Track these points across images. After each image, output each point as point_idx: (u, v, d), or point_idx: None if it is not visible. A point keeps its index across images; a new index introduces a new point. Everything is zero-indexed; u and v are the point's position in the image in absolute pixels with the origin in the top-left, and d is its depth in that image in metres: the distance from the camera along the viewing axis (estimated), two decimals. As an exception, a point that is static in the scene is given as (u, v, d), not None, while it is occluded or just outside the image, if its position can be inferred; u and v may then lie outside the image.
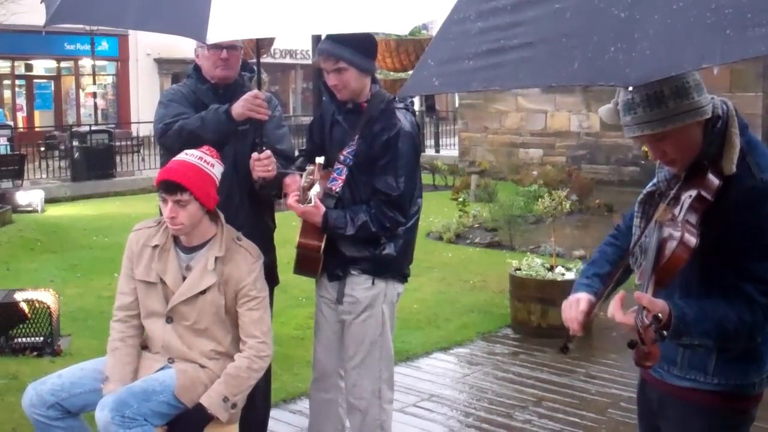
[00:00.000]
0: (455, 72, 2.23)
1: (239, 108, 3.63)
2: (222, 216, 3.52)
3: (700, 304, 2.25)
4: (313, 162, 3.70)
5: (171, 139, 3.73)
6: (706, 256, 2.25)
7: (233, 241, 3.50)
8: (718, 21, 1.80)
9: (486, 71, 2.14)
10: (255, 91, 3.69)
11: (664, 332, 2.13)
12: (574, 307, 2.47)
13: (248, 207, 3.87)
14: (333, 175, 3.70)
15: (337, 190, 3.67)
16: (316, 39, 5.70)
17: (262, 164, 3.64)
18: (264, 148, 3.67)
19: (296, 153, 4.05)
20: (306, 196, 3.46)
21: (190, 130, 3.66)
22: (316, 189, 3.48)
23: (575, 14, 2.06)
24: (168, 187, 3.33)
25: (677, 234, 2.21)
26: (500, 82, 2.18)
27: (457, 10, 2.34)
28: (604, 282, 2.57)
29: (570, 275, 6.69)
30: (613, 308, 2.23)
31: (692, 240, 2.20)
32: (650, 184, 2.55)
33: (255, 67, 3.93)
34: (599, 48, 1.95)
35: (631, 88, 2.28)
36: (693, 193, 2.28)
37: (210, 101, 3.81)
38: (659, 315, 2.10)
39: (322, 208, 3.55)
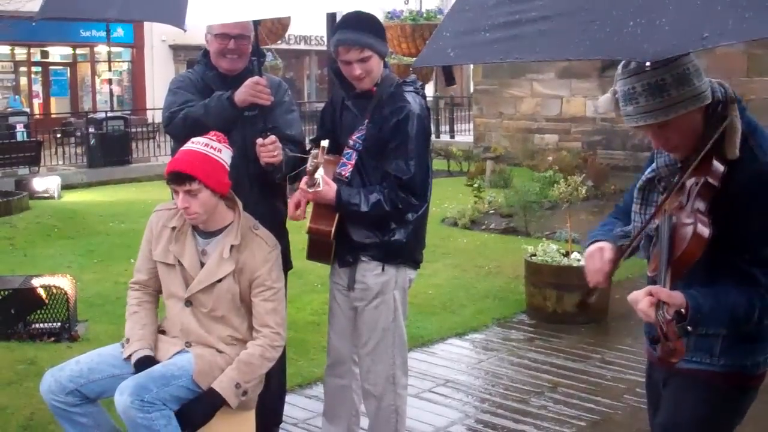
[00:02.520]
0: (471, 44, 2.21)
1: (241, 94, 3.65)
2: (240, 203, 3.53)
3: (713, 293, 2.24)
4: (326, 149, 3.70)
5: (176, 127, 3.75)
6: (713, 241, 2.24)
7: (250, 229, 3.50)
8: None
9: (502, 43, 2.12)
10: (256, 78, 3.69)
11: (689, 327, 2.12)
12: (598, 256, 2.42)
13: (258, 193, 3.87)
14: (342, 160, 3.69)
15: (347, 175, 3.66)
16: (331, 22, 5.69)
17: (267, 150, 3.64)
18: (269, 133, 3.67)
19: (308, 139, 4.05)
20: (314, 180, 3.45)
21: (194, 118, 3.68)
22: (321, 172, 3.47)
23: None
24: (176, 178, 3.34)
25: (689, 224, 2.20)
26: (517, 54, 2.15)
27: None
28: (618, 239, 2.53)
29: (585, 261, 6.66)
30: (637, 297, 2.20)
31: (705, 231, 2.19)
32: (649, 170, 2.52)
33: (265, 52, 3.93)
34: (618, 22, 1.92)
35: (621, 81, 2.25)
36: (699, 180, 2.27)
37: (218, 88, 3.82)
38: (681, 310, 2.10)
39: (334, 186, 3.55)
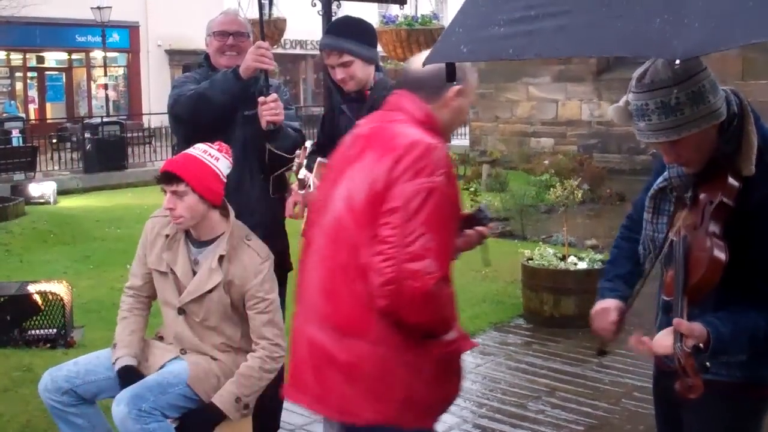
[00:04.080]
0: (485, 39, 2.12)
1: (246, 62, 3.64)
2: (232, 213, 3.51)
3: (733, 318, 2.19)
4: (326, 155, 3.71)
5: (183, 105, 3.72)
6: (728, 261, 2.18)
7: (242, 240, 3.48)
8: None
9: (519, 39, 2.03)
10: (259, 42, 3.69)
11: (707, 364, 2.09)
12: (604, 317, 2.48)
13: (259, 191, 3.87)
14: None
15: None
16: (326, 26, 5.70)
17: (269, 107, 3.64)
18: (270, 92, 3.68)
19: (310, 144, 4.07)
20: (304, 182, 3.47)
21: (200, 92, 3.68)
22: (303, 172, 3.48)
23: None
24: (166, 177, 3.35)
25: (706, 248, 2.14)
26: (536, 50, 2.06)
27: None
28: (627, 282, 2.56)
29: (582, 265, 6.67)
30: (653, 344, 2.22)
31: (722, 256, 2.14)
32: (661, 179, 2.46)
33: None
34: (644, 19, 1.84)
35: (633, 94, 2.20)
36: (714, 199, 2.20)
37: None
38: (700, 345, 2.06)
39: None
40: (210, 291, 3.40)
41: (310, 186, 3.49)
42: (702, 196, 2.25)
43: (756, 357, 2.35)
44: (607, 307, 2.48)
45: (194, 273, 3.45)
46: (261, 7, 4.09)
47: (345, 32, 3.57)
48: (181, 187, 3.31)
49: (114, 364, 3.40)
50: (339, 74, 3.59)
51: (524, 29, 2.02)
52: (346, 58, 3.54)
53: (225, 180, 3.45)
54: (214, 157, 3.41)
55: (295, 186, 3.54)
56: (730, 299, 2.24)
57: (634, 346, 2.26)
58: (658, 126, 2.20)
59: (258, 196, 3.85)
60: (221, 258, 3.41)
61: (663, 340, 2.17)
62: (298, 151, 3.52)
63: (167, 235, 3.49)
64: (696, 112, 2.17)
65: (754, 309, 2.21)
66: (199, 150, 3.41)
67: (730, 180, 2.21)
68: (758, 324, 2.20)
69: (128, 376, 3.35)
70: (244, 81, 3.65)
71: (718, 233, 2.18)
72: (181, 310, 3.46)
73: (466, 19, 2.22)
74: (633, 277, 2.59)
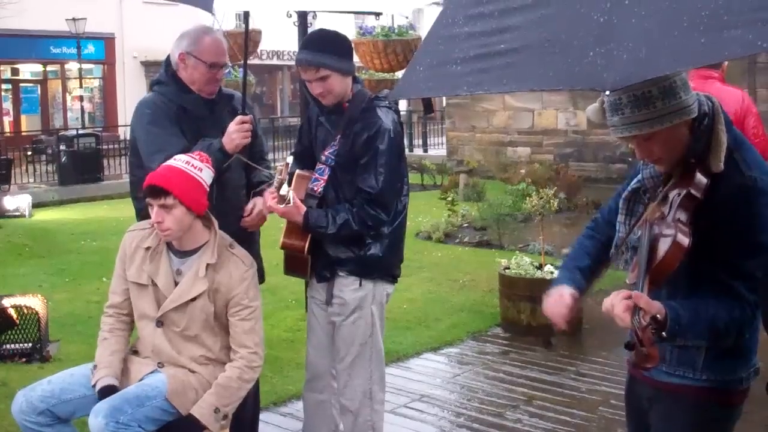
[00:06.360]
0: (443, 76, 2.26)
1: (233, 141, 3.64)
2: (216, 222, 3.51)
3: (693, 305, 2.24)
4: (303, 165, 3.72)
5: None
6: (694, 254, 2.25)
7: (226, 248, 3.48)
8: (694, 24, 1.81)
9: (473, 76, 2.18)
10: (239, 117, 3.69)
11: (663, 333, 2.12)
12: (558, 302, 2.54)
13: (239, 206, 3.87)
14: (315, 176, 3.70)
15: (319, 190, 3.67)
16: (302, 37, 5.70)
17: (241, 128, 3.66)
18: (246, 112, 3.70)
19: (292, 160, 4.06)
20: (284, 196, 3.47)
21: None
22: (286, 188, 3.49)
23: (558, 20, 2.10)
24: (153, 191, 3.33)
25: (670, 233, 2.20)
26: (486, 86, 2.23)
27: (445, 15, 2.37)
28: (585, 275, 2.61)
29: (559, 273, 6.69)
30: (613, 302, 2.21)
31: (685, 240, 2.20)
32: (635, 180, 2.54)
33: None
34: (579, 53, 1.98)
35: (608, 92, 2.31)
36: (682, 191, 2.28)
37: (199, 110, 3.77)
38: (657, 316, 2.10)
39: (303, 208, 3.56)
40: (194, 299, 3.39)
41: (289, 201, 3.48)
42: (671, 192, 2.33)
43: (720, 359, 2.41)
44: (561, 293, 2.55)
45: (176, 284, 3.43)
46: (246, 42, 4.04)
47: (321, 46, 3.54)
48: (169, 200, 3.30)
49: (95, 385, 3.36)
50: (316, 89, 3.57)
51: (477, 67, 2.19)
52: (324, 72, 3.53)
53: (208, 190, 3.45)
54: (198, 168, 3.41)
55: (271, 197, 3.53)
56: (697, 292, 2.30)
57: (607, 304, 2.24)
58: (630, 119, 2.28)
59: (238, 210, 3.84)
60: (208, 266, 3.40)
61: (623, 314, 2.17)
62: (280, 167, 3.51)
63: (148, 248, 3.48)
64: (667, 107, 2.25)
65: (716, 301, 2.26)
66: (182, 161, 3.39)
67: (698, 175, 2.29)
68: (718, 315, 2.25)
69: (109, 396, 3.32)
70: (231, 154, 3.65)
71: (683, 221, 2.24)
72: (160, 322, 3.44)
73: (426, 57, 2.38)
74: (591, 273, 2.66)
